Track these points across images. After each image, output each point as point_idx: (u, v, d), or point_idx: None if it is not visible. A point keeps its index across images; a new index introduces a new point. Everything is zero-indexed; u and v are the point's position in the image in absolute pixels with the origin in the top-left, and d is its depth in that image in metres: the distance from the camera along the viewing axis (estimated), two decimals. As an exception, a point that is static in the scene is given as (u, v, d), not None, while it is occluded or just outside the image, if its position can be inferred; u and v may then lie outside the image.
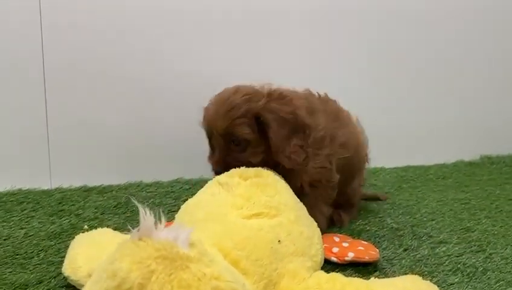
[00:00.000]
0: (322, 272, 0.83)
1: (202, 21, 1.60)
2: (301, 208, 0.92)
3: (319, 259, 0.87)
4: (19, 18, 1.45)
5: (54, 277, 0.90)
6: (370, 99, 1.86)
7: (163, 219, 0.62)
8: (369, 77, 1.86)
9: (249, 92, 1.05)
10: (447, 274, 0.96)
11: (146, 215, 0.59)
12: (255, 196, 0.86)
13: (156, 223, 0.60)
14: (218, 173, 1.01)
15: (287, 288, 0.75)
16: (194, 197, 0.95)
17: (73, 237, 0.97)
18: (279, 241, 0.78)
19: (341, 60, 1.82)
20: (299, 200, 0.94)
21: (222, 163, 1.03)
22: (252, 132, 1.02)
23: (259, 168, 0.97)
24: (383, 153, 1.88)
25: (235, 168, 0.97)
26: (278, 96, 1.05)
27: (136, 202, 0.64)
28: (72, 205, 1.33)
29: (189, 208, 0.93)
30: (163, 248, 0.56)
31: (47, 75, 1.49)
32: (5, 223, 1.18)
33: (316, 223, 0.93)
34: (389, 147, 1.91)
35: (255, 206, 0.83)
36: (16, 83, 1.47)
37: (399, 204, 1.42)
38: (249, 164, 1.00)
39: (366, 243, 1.04)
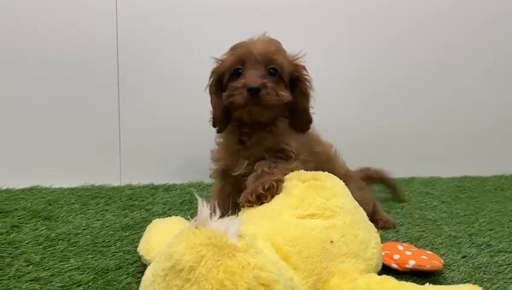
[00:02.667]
0: (374, 274, 0.84)
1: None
2: (359, 213, 0.93)
3: (375, 263, 0.87)
4: (96, 23, 1.59)
5: (131, 264, 0.98)
6: (426, 109, 1.87)
7: (217, 211, 0.68)
8: (423, 87, 1.88)
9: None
10: (506, 282, 0.95)
11: (203, 207, 0.66)
12: (311, 197, 0.89)
13: (211, 215, 0.66)
14: (253, 90, 0.97)
15: (336, 286, 0.77)
16: None
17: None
18: (331, 241, 0.81)
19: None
20: (358, 204, 0.95)
21: (261, 81, 0.99)
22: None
23: (318, 172, 0.98)
24: (439, 163, 1.89)
25: (268, 94, 0.98)
26: None
27: (196, 195, 0.72)
28: (142, 200, 1.43)
29: (247, 208, 0.96)
30: (214, 236, 0.62)
31: (121, 80, 1.60)
32: (82, 215, 1.29)
33: (375, 229, 0.93)
34: (446, 157, 1.91)
35: (309, 207, 0.86)
36: (92, 87, 1.61)
37: (456, 213, 1.42)
38: (279, 100, 1.01)
39: (430, 252, 1.03)
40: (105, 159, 1.64)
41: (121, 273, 0.94)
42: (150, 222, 1.22)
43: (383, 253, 0.94)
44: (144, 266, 0.93)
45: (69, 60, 1.58)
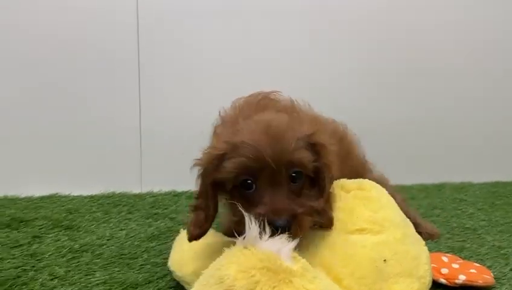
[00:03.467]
0: None
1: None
2: (408, 226, 0.86)
3: (427, 281, 0.80)
4: (116, 27, 1.54)
5: (161, 278, 0.92)
6: (455, 112, 1.81)
7: (267, 229, 0.63)
8: (453, 88, 1.82)
9: (282, 113, 0.82)
10: None
11: (251, 225, 0.61)
12: (358, 209, 0.82)
13: (260, 233, 0.61)
14: (284, 229, 0.67)
15: None
16: None
17: (173, 239, 0.99)
18: (384, 260, 0.74)
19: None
20: (405, 216, 0.88)
21: (288, 209, 0.70)
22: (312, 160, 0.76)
23: (361, 180, 0.90)
24: (469, 168, 1.82)
25: (298, 218, 0.71)
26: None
27: (242, 210, 0.66)
28: (165, 208, 1.38)
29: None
30: (267, 259, 0.57)
31: (142, 85, 1.56)
32: (105, 225, 1.24)
33: (423, 242, 0.86)
34: (476, 161, 1.85)
35: (358, 221, 0.79)
36: (112, 92, 1.56)
37: (496, 221, 1.35)
38: (311, 211, 0.74)
39: (478, 265, 0.96)
40: (126, 165, 1.59)
41: (150, 289, 0.88)
42: (176, 231, 1.16)
43: (431, 266, 0.87)
44: (175, 281, 0.88)
45: (89, 65, 1.53)
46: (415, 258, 0.79)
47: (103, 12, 1.52)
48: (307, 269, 0.59)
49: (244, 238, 0.61)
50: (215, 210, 0.80)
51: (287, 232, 0.66)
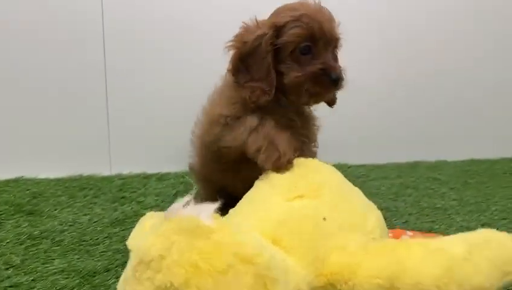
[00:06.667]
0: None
1: None
2: (349, 186, 0.86)
3: (378, 235, 0.79)
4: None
5: (121, 265, 0.90)
6: (428, 88, 1.79)
7: (192, 201, 0.61)
8: (426, 64, 1.80)
9: None
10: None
11: (177, 199, 0.60)
12: (296, 181, 0.81)
13: (184, 205, 0.59)
14: (337, 81, 0.87)
15: (336, 262, 0.69)
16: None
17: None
18: (324, 218, 0.74)
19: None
20: (346, 179, 0.87)
21: (339, 68, 0.89)
22: None
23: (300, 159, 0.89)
24: (444, 145, 1.81)
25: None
26: None
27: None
28: (133, 191, 1.35)
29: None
30: (186, 220, 0.56)
31: (108, 64, 1.51)
32: (69, 209, 1.20)
33: (375, 206, 0.85)
34: (451, 139, 1.84)
35: (297, 190, 0.79)
36: (79, 74, 1.51)
37: (466, 201, 1.34)
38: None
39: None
40: (94, 146, 1.54)
41: (109, 277, 0.86)
42: (142, 215, 1.14)
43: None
44: (134, 269, 0.86)
45: (55, 45, 1.48)
46: (360, 214, 0.78)
47: None
48: (227, 225, 0.58)
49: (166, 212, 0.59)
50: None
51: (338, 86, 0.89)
